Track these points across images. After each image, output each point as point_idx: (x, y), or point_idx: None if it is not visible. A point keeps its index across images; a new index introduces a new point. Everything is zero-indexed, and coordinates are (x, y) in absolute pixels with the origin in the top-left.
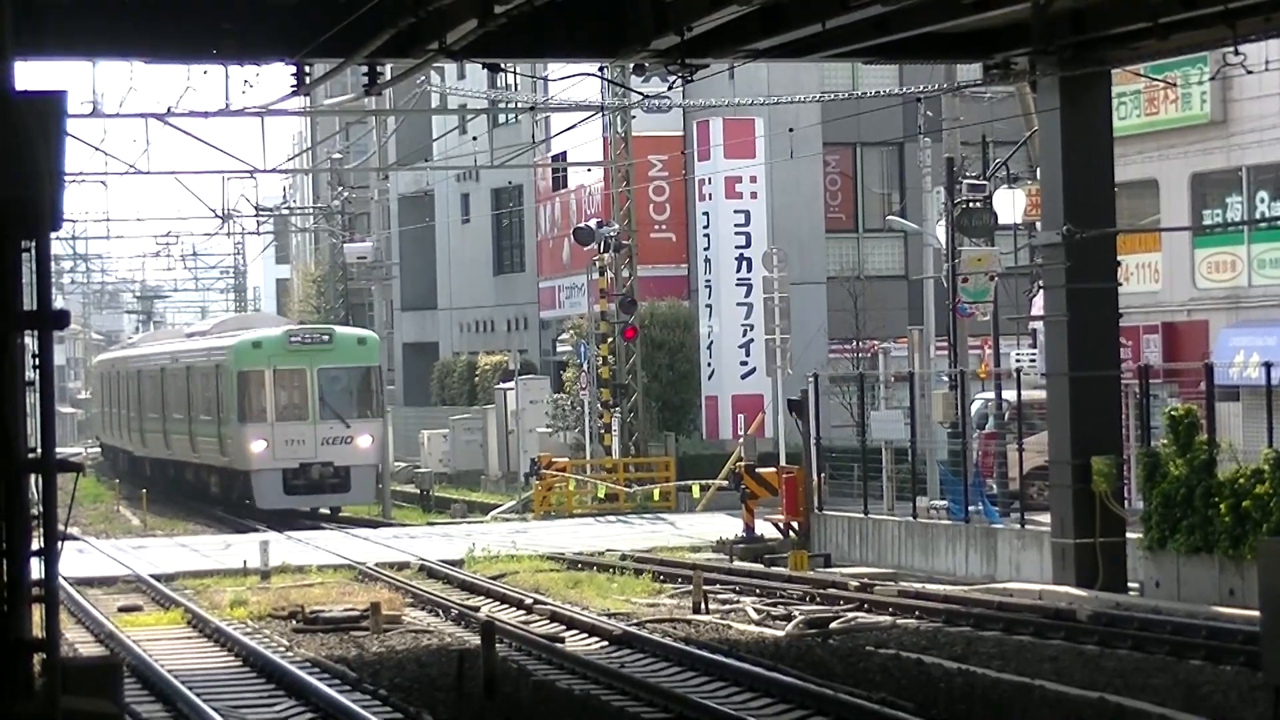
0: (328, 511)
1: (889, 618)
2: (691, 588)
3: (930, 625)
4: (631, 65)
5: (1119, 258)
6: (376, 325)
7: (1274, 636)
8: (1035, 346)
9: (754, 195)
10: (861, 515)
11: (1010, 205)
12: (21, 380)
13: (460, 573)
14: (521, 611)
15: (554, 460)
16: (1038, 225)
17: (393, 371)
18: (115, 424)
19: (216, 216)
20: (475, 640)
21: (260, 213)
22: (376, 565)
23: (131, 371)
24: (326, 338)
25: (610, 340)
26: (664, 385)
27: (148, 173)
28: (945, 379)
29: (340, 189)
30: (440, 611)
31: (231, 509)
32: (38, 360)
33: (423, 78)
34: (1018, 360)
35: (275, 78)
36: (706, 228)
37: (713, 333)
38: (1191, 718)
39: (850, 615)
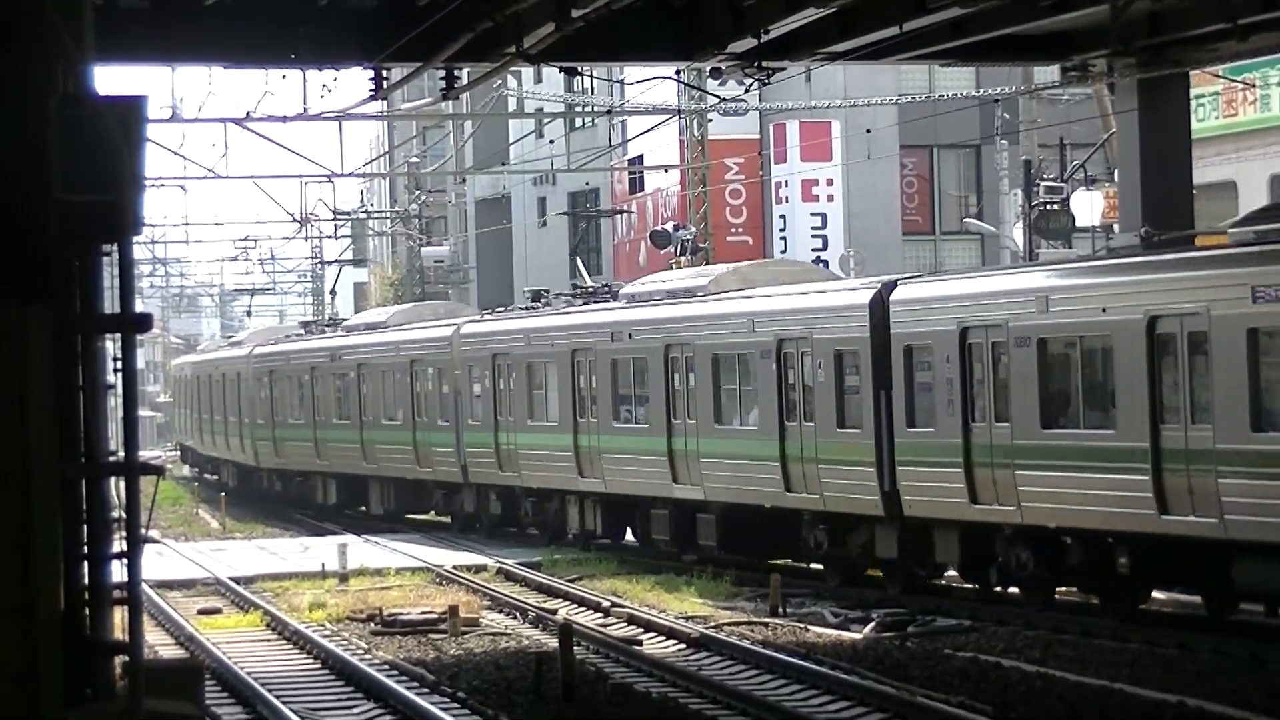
0: None
1: (967, 620)
2: (769, 590)
3: (1008, 628)
4: (708, 68)
5: None
6: None
7: None
8: None
9: (830, 198)
10: None
11: (1088, 207)
12: (103, 383)
13: (538, 575)
14: (599, 614)
15: None
16: (1115, 227)
17: None
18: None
19: (294, 220)
20: (553, 643)
21: (338, 217)
22: (454, 568)
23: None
24: None
25: None
26: None
27: (226, 177)
28: None
29: (417, 193)
30: (518, 614)
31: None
32: (120, 363)
33: (500, 82)
34: None
35: (353, 82)
36: (783, 230)
37: None
38: None
39: (928, 618)
